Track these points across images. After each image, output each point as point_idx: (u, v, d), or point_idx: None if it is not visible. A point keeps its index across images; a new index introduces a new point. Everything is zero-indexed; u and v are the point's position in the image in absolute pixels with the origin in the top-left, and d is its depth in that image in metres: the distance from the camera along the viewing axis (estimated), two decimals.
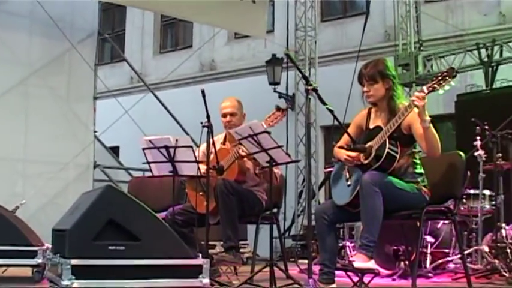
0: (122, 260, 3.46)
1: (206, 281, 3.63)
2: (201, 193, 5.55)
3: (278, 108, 5.23)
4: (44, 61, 9.52)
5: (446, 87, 4.30)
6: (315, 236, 4.68)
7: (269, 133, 4.67)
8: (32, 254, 5.32)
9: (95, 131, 10.23)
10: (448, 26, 12.44)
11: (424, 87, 4.30)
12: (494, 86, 10.59)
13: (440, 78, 4.28)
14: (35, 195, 8.93)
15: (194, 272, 3.60)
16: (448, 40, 12.43)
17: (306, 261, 9.12)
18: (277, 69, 13.80)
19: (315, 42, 13.54)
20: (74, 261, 3.34)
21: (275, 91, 13.78)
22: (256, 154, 4.87)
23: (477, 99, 10.03)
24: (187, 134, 10.48)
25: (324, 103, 4.12)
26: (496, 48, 10.77)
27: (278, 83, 13.82)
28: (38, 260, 5.31)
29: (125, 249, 3.48)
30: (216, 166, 5.24)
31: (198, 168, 5.24)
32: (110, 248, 3.46)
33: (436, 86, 4.29)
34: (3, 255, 5.20)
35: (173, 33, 18.34)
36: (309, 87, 4.05)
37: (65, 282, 3.32)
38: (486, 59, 10.76)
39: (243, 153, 5.35)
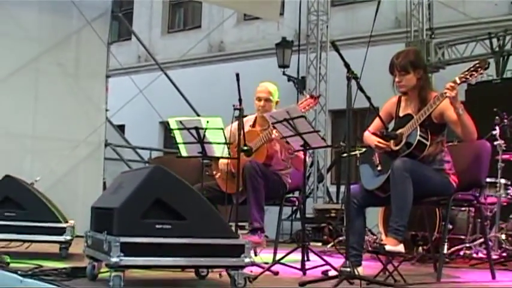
0: (168, 238, 3.55)
1: (248, 260, 3.72)
2: (219, 171, 5.66)
3: (311, 96, 5.37)
4: (55, 38, 9.51)
5: (478, 78, 4.41)
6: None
7: (305, 118, 4.76)
8: (61, 231, 5.42)
9: (106, 110, 10.25)
10: (460, 14, 12.47)
11: (457, 78, 4.41)
12: (504, 76, 10.67)
13: (472, 69, 4.39)
14: (45, 172, 8.93)
15: (237, 251, 3.69)
16: (459, 28, 12.48)
17: (318, 243, 9.33)
18: (287, 52, 13.82)
19: (327, 27, 13.54)
20: (123, 239, 3.42)
21: (284, 74, 13.78)
22: (289, 138, 4.94)
23: (487, 89, 10.09)
24: (197, 114, 10.56)
25: (362, 90, 4.21)
26: (507, 38, 10.85)
27: (287, 66, 13.81)
28: (67, 237, 5.41)
29: (171, 227, 3.57)
30: (244, 148, 5.31)
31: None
32: (157, 226, 3.54)
33: (468, 76, 4.40)
34: (33, 232, 5.31)
35: (182, 13, 18.35)
36: (351, 75, 4.13)
37: (114, 259, 3.40)
38: (497, 49, 10.84)
39: (274, 136, 5.45)
